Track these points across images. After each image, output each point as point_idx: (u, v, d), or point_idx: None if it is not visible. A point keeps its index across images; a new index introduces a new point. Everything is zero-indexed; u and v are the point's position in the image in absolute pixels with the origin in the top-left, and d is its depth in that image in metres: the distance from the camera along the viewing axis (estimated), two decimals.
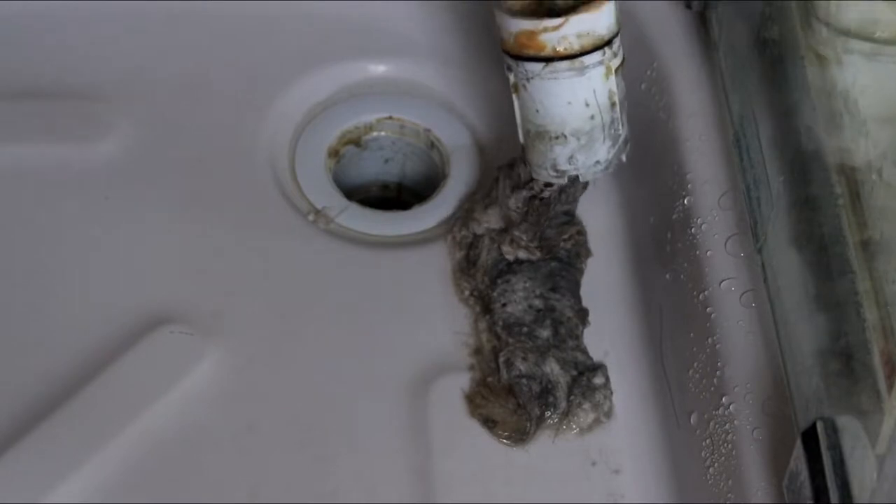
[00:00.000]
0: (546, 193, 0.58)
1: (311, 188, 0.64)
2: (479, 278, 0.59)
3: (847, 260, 0.49)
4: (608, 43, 0.53)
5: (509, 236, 0.58)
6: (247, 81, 0.66)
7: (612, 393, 0.57)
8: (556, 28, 0.52)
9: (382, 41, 0.69)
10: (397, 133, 0.68)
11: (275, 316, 0.59)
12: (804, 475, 0.46)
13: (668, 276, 0.59)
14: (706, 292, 0.55)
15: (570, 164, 0.55)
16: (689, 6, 0.63)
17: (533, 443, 0.56)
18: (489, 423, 0.55)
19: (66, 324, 0.57)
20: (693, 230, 0.57)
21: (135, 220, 0.61)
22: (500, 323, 0.57)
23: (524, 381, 0.55)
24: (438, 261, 0.62)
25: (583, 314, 0.58)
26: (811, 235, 0.52)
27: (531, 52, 0.53)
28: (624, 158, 0.56)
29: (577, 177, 0.56)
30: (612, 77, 0.53)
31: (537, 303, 0.57)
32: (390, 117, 0.67)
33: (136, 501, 0.53)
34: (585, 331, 0.59)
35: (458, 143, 0.66)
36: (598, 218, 0.64)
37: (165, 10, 0.65)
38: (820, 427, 0.46)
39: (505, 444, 0.55)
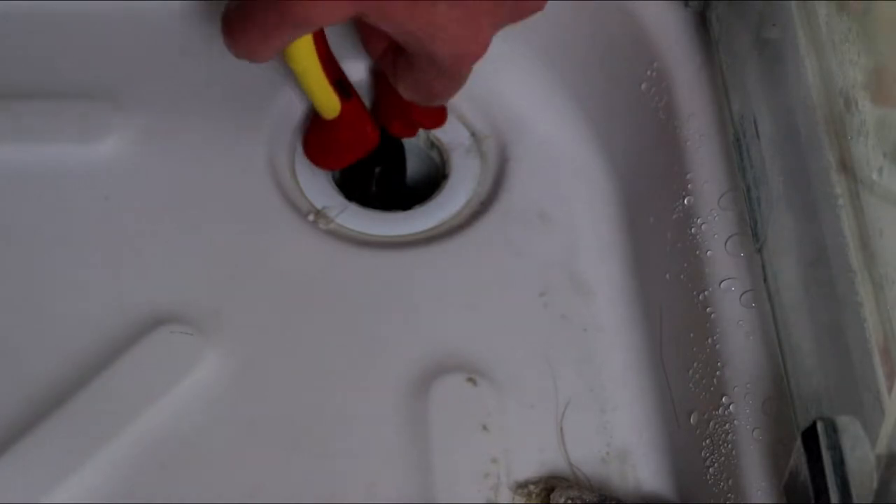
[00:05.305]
0: None
1: (311, 188, 0.64)
2: None
3: (847, 260, 0.49)
4: None
5: None
6: (247, 81, 0.66)
7: None
8: None
9: None
10: None
11: (275, 316, 0.59)
12: (804, 475, 0.46)
13: (667, 276, 0.59)
14: (706, 292, 0.55)
15: None
16: (687, 5, 0.63)
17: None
18: None
19: (66, 324, 0.57)
20: (693, 230, 0.57)
21: (135, 220, 0.61)
22: None
23: None
24: (438, 261, 0.62)
25: None
26: (811, 235, 0.52)
27: None
28: None
29: None
30: None
31: None
32: None
33: (136, 501, 0.53)
34: (583, 328, 0.60)
35: (458, 143, 0.66)
36: (598, 218, 0.64)
37: (166, 10, 0.65)
38: (820, 427, 0.46)
39: None
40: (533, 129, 0.66)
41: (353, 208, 0.63)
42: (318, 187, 0.64)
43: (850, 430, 0.45)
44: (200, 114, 0.64)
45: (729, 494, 0.51)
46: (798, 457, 0.47)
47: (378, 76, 0.65)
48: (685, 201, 0.59)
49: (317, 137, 0.64)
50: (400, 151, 0.66)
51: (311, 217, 0.62)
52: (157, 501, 0.53)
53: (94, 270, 0.59)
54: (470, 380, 0.58)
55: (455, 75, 0.56)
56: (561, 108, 0.67)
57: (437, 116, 0.65)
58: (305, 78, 0.60)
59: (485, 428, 0.56)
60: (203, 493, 0.53)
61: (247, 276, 0.60)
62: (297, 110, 0.66)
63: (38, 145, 0.62)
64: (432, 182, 0.66)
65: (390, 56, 0.57)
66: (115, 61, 0.65)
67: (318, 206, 0.63)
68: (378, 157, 0.63)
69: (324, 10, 0.51)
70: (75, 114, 0.63)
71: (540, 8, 0.55)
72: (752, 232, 0.56)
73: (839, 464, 0.45)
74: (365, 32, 0.61)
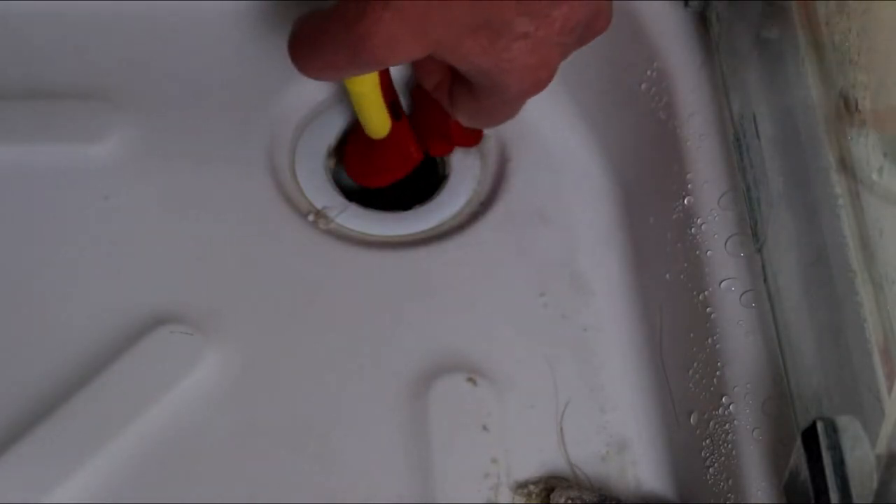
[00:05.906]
0: None
1: (311, 188, 0.64)
2: None
3: (847, 260, 0.49)
4: None
5: None
6: (247, 81, 0.66)
7: None
8: None
9: None
10: None
11: (275, 316, 0.59)
12: (804, 475, 0.46)
13: (668, 276, 0.59)
14: (706, 292, 0.55)
15: None
16: (687, 5, 0.63)
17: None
18: None
19: (66, 324, 0.57)
20: (693, 230, 0.57)
21: (135, 220, 0.61)
22: None
23: None
24: (438, 261, 0.62)
25: None
26: (811, 235, 0.52)
27: None
28: None
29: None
30: None
31: None
32: None
33: (136, 502, 0.53)
34: (583, 328, 0.60)
35: None
36: (598, 218, 0.64)
37: (167, 9, 0.65)
38: (820, 427, 0.46)
39: None
40: (533, 129, 0.66)
41: (353, 208, 0.63)
42: (318, 187, 0.64)
43: (850, 430, 0.45)
44: (200, 114, 0.64)
45: (729, 494, 0.51)
46: (798, 457, 0.47)
47: (415, 97, 0.64)
48: (685, 201, 0.59)
49: (359, 155, 0.64)
50: (433, 167, 0.66)
51: (311, 217, 0.62)
52: (157, 501, 0.53)
53: (94, 270, 0.59)
54: (470, 380, 0.58)
55: (519, 103, 0.55)
56: (561, 107, 0.67)
57: (475, 135, 0.65)
58: (362, 99, 0.59)
59: (485, 428, 0.56)
60: (203, 492, 0.53)
61: (247, 276, 0.60)
62: (297, 110, 0.66)
63: (38, 145, 0.62)
64: (432, 182, 0.66)
65: (446, 86, 0.57)
66: (116, 61, 0.65)
67: (318, 206, 0.63)
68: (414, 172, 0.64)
69: (395, 52, 0.50)
70: (75, 114, 0.63)
71: (604, 29, 0.54)
72: (752, 232, 0.56)
73: (839, 464, 0.45)
74: (418, 64, 0.60)
